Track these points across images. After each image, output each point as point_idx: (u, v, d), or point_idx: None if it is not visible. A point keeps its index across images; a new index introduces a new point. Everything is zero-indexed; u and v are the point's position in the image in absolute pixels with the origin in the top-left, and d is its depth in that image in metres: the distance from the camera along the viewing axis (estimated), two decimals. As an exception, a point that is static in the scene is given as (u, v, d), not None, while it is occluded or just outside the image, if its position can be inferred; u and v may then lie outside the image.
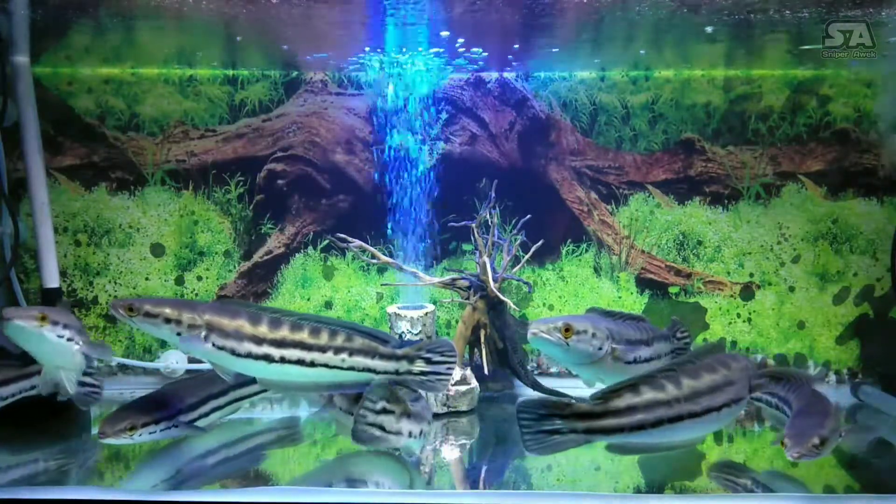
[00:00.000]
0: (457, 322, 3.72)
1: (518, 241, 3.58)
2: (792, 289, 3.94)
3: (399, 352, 2.59)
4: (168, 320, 2.43)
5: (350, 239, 3.56)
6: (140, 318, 2.44)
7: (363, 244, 3.57)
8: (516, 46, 3.52)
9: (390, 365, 2.59)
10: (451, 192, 3.93)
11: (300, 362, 2.49)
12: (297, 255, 4.01)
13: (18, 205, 3.82)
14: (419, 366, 2.60)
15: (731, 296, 3.95)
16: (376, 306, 4.01)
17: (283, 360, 2.48)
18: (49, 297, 3.55)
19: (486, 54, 3.57)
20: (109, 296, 3.98)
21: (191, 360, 3.84)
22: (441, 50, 3.51)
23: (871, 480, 2.83)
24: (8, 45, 3.37)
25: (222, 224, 4.01)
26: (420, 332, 3.36)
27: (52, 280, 3.58)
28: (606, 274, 4.00)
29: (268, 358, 2.46)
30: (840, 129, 3.89)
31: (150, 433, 2.61)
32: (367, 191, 3.98)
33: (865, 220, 3.90)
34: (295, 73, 3.98)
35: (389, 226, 3.93)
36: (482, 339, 3.52)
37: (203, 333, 2.42)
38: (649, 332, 2.84)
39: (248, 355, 2.45)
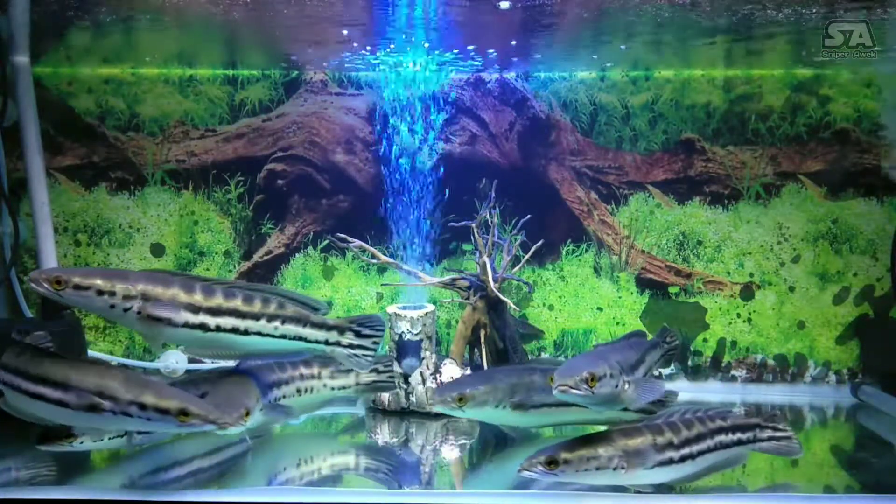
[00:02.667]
0: (457, 322, 3.72)
1: (518, 241, 3.58)
2: (792, 289, 3.94)
3: (330, 321, 2.60)
4: (101, 292, 2.29)
5: (350, 239, 3.56)
6: (69, 290, 2.27)
7: (363, 244, 3.57)
8: (516, 45, 3.52)
9: (320, 334, 2.58)
10: (451, 193, 3.93)
11: (235, 331, 2.44)
12: (297, 255, 4.01)
13: (18, 205, 3.82)
14: (348, 338, 2.63)
15: (731, 296, 3.95)
16: (376, 306, 4.01)
17: (218, 328, 2.42)
18: (49, 297, 3.55)
19: (487, 53, 3.57)
20: (109, 296, 3.98)
21: (191, 360, 3.84)
22: (441, 49, 3.52)
23: (871, 480, 2.83)
24: (8, 45, 3.37)
25: (222, 224, 4.01)
26: (420, 331, 3.36)
27: (52, 280, 3.58)
28: (606, 274, 4.00)
29: (203, 327, 2.40)
30: (840, 129, 3.89)
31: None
32: (367, 191, 3.98)
33: (865, 220, 3.90)
34: (295, 73, 3.98)
35: (389, 226, 3.93)
36: (482, 339, 3.52)
37: (138, 304, 2.31)
38: (641, 347, 2.86)
39: (185, 325, 2.38)
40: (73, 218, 3.97)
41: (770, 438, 2.52)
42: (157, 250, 3.99)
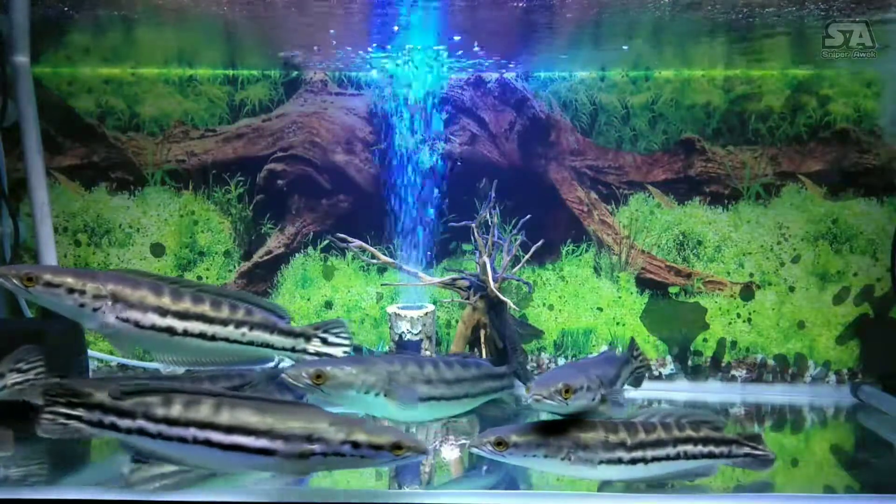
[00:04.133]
0: (457, 322, 3.72)
1: (518, 241, 3.58)
2: (792, 289, 3.94)
3: (297, 329, 2.56)
4: (71, 290, 2.27)
5: (350, 239, 3.55)
6: (40, 287, 2.24)
7: (363, 244, 3.57)
8: (516, 46, 3.52)
9: (288, 341, 2.54)
10: (451, 193, 3.93)
11: (202, 336, 2.40)
12: (297, 255, 4.01)
13: (18, 205, 3.82)
14: (315, 345, 2.58)
15: (731, 296, 3.95)
16: (376, 306, 4.01)
17: (185, 333, 2.37)
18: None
19: (484, 54, 3.57)
20: (109, 296, 3.98)
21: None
22: (441, 49, 3.52)
23: (871, 480, 2.83)
24: (8, 45, 3.37)
25: (222, 224, 4.01)
26: (420, 332, 3.36)
27: (52, 280, 3.58)
28: (606, 274, 3.99)
29: (171, 331, 2.36)
30: (840, 129, 3.89)
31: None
32: (367, 191, 3.98)
33: (865, 220, 3.90)
34: (295, 73, 3.98)
35: (389, 226, 3.93)
36: (482, 339, 3.52)
37: (108, 304, 2.29)
38: (618, 362, 2.85)
39: (152, 327, 2.34)
40: (73, 218, 3.97)
41: (746, 455, 2.50)
42: (157, 250, 3.99)
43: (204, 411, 2.11)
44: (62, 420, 2.18)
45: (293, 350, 2.56)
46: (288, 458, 2.10)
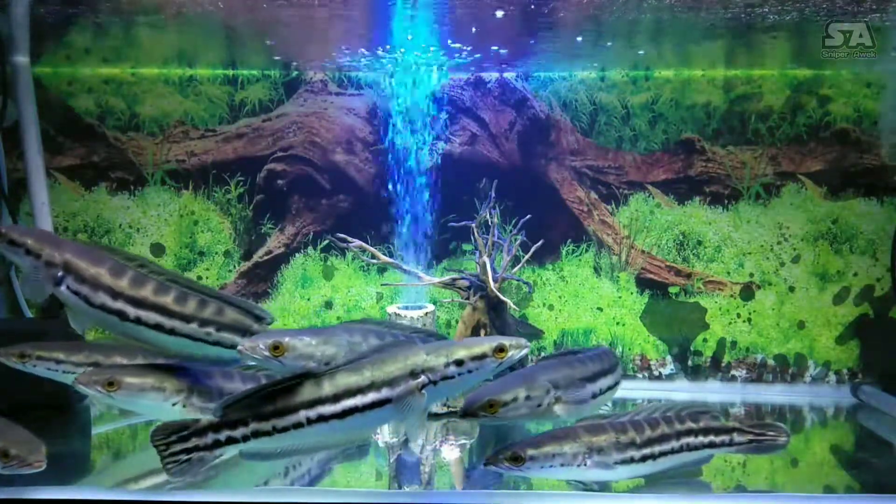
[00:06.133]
0: (457, 322, 3.72)
1: (518, 241, 3.58)
2: (792, 289, 3.94)
3: None
4: (29, 252, 2.23)
5: (350, 239, 3.55)
6: (3, 244, 2.22)
7: (363, 244, 3.57)
8: (516, 46, 3.52)
9: None
10: (451, 192, 3.93)
11: (158, 327, 2.30)
12: (297, 255, 4.01)
13: (18, 205, 3.82)
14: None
15: (731, 296, 3.95)
16: (376, 306, 4.01)
17: (138, 320, 2.28)
18: (49, 297, 3.54)
19: (487, 53, 3.57)
20: (109, 296, 3.97)
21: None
22: (441, 49, 3.51)
23: (871, 480, 2.83)
24: (8, 45, 3.37)
25: (222, 224, 4.01)
26: (420, 332, 3.35)
27: (52, 280, 3.58)
28: (606, 274, 4.00)
29: (121, 314, 2.27)
30: (840, 129, 3.89)
31: None
32: (367, 191, 3.98)
33: (865, 220, 3.90)
34: (295, 73, 3.98)
35: (389, 226, 3.93)
36: (482, 339, 3.51)
37: (59, 273, 2.22)
38: (595, 361, 2.67)
39: (102, 307, 2.26)
40: (73, 218, 3.97)
41: (751, 442, 2.51)
42: (157, 250, 3.99)
43: (307, 392, 2.12)
44: (184, 458, 2.17)
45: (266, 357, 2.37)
46: (402, 400, 2.08)
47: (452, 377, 2.10)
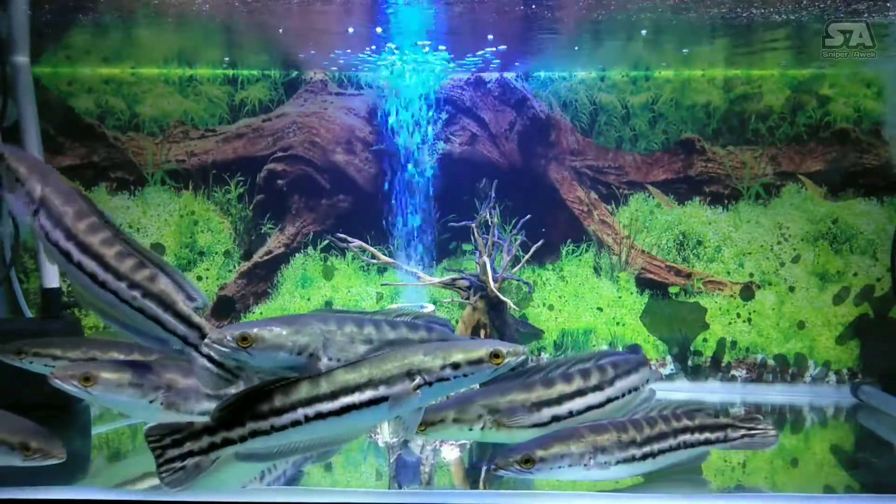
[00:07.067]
0: (457, 322, 3.71)
1: (518, 241, 3.58)
2: (792, 289, 3.94)
3: (195, 318, 2.26)
4: (17, 180, 2.26)
5: (350, 239, 3.55)
6: (3, 165, 2.27)
7: (363, 244, 3.57)
8: (516, 44, 3.52)
9: (180, 327, 2.24)
10: (451, 193, 3.93)
11: (93, 277, 2.25)
12: (297, 255, 4.01)
13: (18, 205, 3.81)
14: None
15: (731, 296, 3.95)
16: (376, 306, 4.01)
17: (79, 265, 2.24)
18: (49, 297, 3.55)
19: (487, 53, 3.57)
20: (109, 296, 3.97)
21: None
22: (441, 49, 3.52)
23: (871, 480, 2.83)
24: (8, 45, 3.37)
25: (222, 224, 4.01)
26: (420, 331, 3.35)
27: (52, 280, 3.58)
28: (606, 274, 4.00)
29: (68, 256, 2.24)
30: (840, 129, 3.89)
31: None
32: (367, 191, 3.98)
33: (865, 220, 3.90)
34: (295, 73, 3.98)
35: (388, 226, 3.93)
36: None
37: (33, 207, 2.24)
38: (601, 376, 2.48)
39: (56, 244, 2.25)
40: (73, 218, 3.97)
41: (744, 437, 2.51)
42: (157, 250, 3.99)
43: (304, 390, 2.11)
44: (179, 464, 2.14)
45: (185, 341, 2.24)
46: (398, 399, 2.09)
47: (448, 379, 2.10)
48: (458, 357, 2.11)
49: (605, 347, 3.98)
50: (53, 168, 2.39)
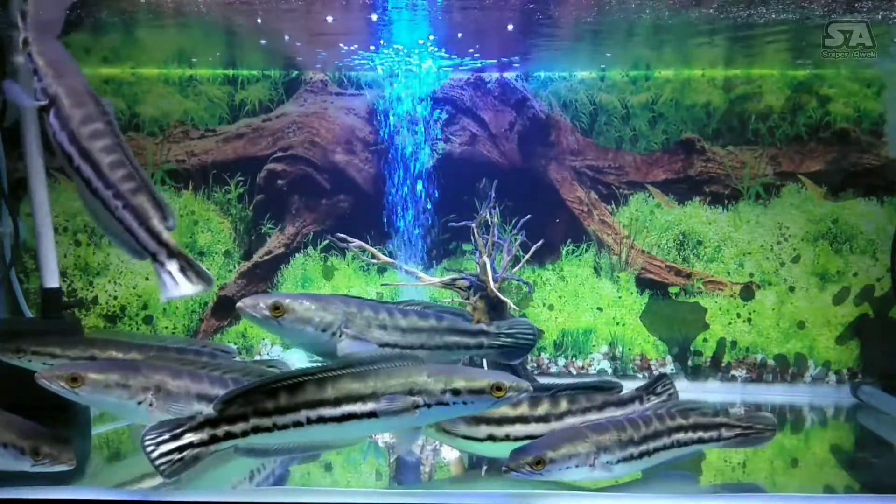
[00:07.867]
0: (457, 322, 3.71)
1: (518, 241, 3.58)
2: (792, 289, 3.94)
3: (165, 236, 2.29)
4: (36, 72, 2.37)
5: (350, 239, 3.55)
6: (25, 54, 2.40)
7: (363, 244, 3.57)
8: (516, 45, 3.52)
9: (151, 243, 2.30)
10: (450, 193, 3.93)
11: (87, 182, 2.30)
12: (297, 255, 4.01)
13: (18, 205, 3.82)
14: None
15: (731, 296, 3.95)
16: (376, 306, 4.00)
17: (77, 169, 2.30)
18: (49, 297, 3.55)
19: (487, 53, 3.57)
20: (109, 296, 3.98)
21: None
22: (441, 49, 3.52)
23: (871, 480, 2.83)
24: (8, 44, 3.37)
25: (222, 224, 4.01)
26: (420, 331, 3.34)
27: (52, 280, 3.57)
28: (606, 274, 4.00)
29: (69, 159, 2.30)
30: (840, 129, 3.89)
31: None
32: (367, 191, 3.98)
33: (865, 220, 3.90)
34: (295, 73, 3.98)
35: (388, 226, 3.93)
36: (482, 339, 3.51)
37: (46, 104, 2.31)
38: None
39: (59, 145, 2.31)
40: (73, 218, 3.97)
41: (738, 436, 2.51)
42: (157, 250, 3.99)
43: (310, 392, 2.12)
44: (177, 456, 2.13)
45: (154, 258, 2.26)
46: (396, 415, 2.11)
47: (447, 404, 2.12)
48: (459, 384, 2.12)
49: (604, 348, 3.97)
50: (75, 62, 2.43)
